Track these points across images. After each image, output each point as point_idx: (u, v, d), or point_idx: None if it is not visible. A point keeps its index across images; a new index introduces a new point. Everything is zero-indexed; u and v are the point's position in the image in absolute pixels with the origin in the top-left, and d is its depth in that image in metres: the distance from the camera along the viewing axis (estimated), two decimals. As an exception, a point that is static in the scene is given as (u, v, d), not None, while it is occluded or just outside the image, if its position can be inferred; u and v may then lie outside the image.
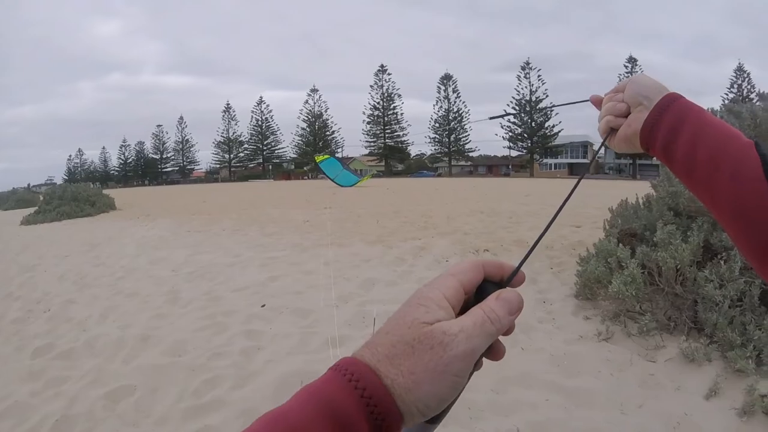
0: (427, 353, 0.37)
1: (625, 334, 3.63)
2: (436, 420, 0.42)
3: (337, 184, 30.08)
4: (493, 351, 0.43)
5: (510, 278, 0.46)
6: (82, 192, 19.72)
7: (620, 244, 3.99)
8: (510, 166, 77.56)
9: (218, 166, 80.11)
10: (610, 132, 0.78)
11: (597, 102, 0.83)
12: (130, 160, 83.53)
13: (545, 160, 73.10)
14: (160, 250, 8.64)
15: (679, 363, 3.16)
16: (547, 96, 68.21)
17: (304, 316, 4.39)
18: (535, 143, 68.38)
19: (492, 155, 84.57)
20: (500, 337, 0.44)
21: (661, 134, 0.70)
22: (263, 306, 4.78)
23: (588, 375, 3.22)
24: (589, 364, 3.35)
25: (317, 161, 33.45)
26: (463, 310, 0.42)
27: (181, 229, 11.29)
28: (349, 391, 0.35)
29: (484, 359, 0.43)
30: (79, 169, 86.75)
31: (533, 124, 68.28)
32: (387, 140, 75.69)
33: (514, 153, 75.75)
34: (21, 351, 4.23)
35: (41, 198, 23.90)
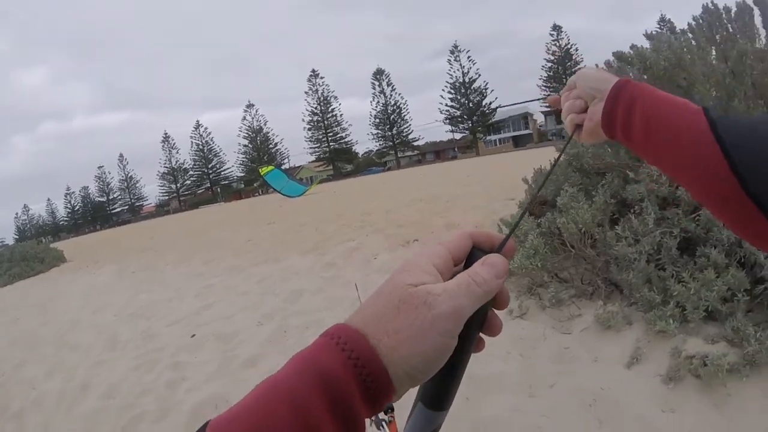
0: (412, 312, 0.38)
1: (540, 308, 3.51)
2: (440, 407, 0.44)
3: (284, 195, 29.94)
4: (490, 325, 0.45)
5: (500, 246, 0.46)
6: (29, 250, 19.31)
7: (529, 215, 3.85)
8: (456, 149, 78.45)
9: (167, 197, 78.52)
10: (576, 128, 0.82)
11: (555, 102, 0.87)
12: (78, 207, 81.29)
13: (489, 137, 74.35)
14: (104, 295, 8.73)
15: (596, 331, 2.98)
16: (479, 75, 69.53)
17: (228, 341, 4.61)
18: (475, 122, 69.53)
19: (438, 140, 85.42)
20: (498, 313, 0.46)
21: (618, 120, 0.73)
22: (193, 336, 4.99)
23: (497, 359, 3.10)
24: (499, 347, 3.20)
25: (261, 174, 33.17)
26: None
27: (126, 272, 11.30)
28: (337, 353, 0.36)
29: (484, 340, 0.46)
30: (28, 225, 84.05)
31: (470, 105, 69.40)
32: (331, 143, 75.61)
33: (458, 135, 76.80)
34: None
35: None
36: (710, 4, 4.14)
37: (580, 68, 0.85)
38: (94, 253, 19.47)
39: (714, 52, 3.78)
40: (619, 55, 3.96)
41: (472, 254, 0.45)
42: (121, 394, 4.04)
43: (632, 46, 3.86)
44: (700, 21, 4.14)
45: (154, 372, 4.31)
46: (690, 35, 4.01)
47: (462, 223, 7.75)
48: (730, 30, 3.98)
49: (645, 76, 3.58)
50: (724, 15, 4.03)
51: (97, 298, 8.65)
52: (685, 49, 3.57)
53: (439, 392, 0.44)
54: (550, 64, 68.19)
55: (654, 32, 4.25)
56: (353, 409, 0.34)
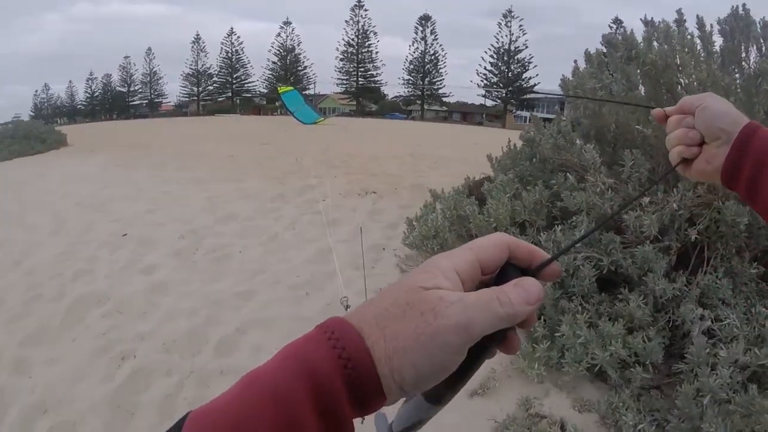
0: (417, 318, 0.34)
1: None
2: (438, 402, 0.40)
3: (296, 119, 29.76)
4: (506, 342, 0.39)
5: (540, 268, 0.41)
6: (33, 130, 19.73)
7: (468, 196, 3.70)
8: (484, 115, 76.99)
9: (187, 99, 78.16)
10: (681, 161, 0.74)
11: (659, 117, 0.78)
12: (97, 93, 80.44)
13: (520, 113, 72.78)
14: (78, 184, 9.11)
15: None
16: (526, 47, 67.24)
17: (145, 245, 4.98)
18: (509, 94, 67.88)
19: (470, 102, 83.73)
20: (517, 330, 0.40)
21: (744, 176, 0.66)
22: (124, 235, 5.36)
23: None
24: None
25: (279, 92, 32.83)
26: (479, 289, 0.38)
27: (110, 164, 11.60)
28: (328, 350, 0.33)
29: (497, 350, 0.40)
30: (46, 104, 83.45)
31: (509, 74, 67.59)
32: (360, 79, 74.41)
33: (489, 102, 75.20)
34: None
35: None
36: (741, 9, 3.26)
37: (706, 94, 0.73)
38: (95, 142, 19.83)
39: (719, 61, 3.11)
40: (608, 39, 3.54)
41: (506, 269, 0.40)
42: (38, 274, 4.46)
43: (621, 32, 3.40)
44: (725, 26, 3.19)
45: (72, 260, 4.71)
46: (697, 32, 3.19)
47: (431, 185, 7.87)
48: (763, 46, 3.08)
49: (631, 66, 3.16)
50: (759, 27, 3.09)
51: (71, 185, 9.01)
52: (686, 49, 2.95)
53: (439, 389, 0.39)
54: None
55: (660, 22, 3.36)
56: (340, 410, 0.32)
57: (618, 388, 2.14)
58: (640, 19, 3.44)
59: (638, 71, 3.12)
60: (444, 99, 75.71)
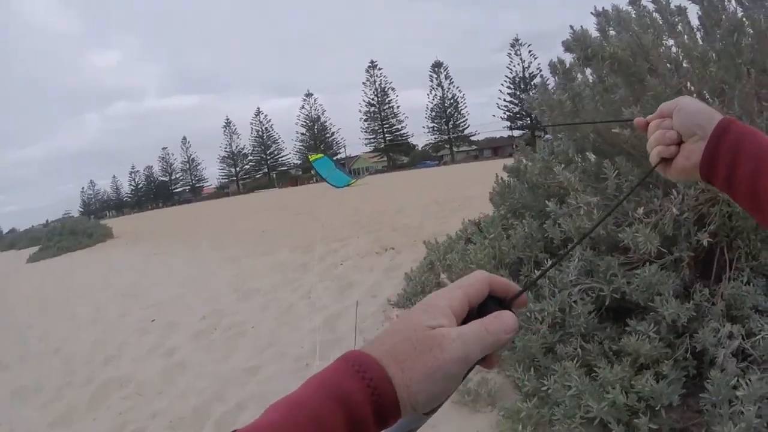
0: (426, 354, 0.41)
1: None
2: (430, 412, 0.45)
3: (330, 184, 30.38)
4: (487, 361, 0.47)
5: (512, 300, 0.49)
6: (79, 226, 21.06)
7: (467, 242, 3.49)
8: (515, 146, 76.51)
9: (226, 180, 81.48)
10: (661, 161, 0.77)
11: (641, 125, 0.82)
12: (141, 185, 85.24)
13: (548, 136, 72.19)
14: (117, 275, 9.78)
15: (450, 404, 2.67)
16: (540, 71, 67.70)
17: (170, 329, 5.24)
18: (534, 121, 67.77)
19: (498, 137, 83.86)
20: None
21: (721, 169, 0.68)
22: (153, 321, 5.69)
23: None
24: None
25: (310, 160, 33.68)
26: (466, 320, 0.46)
27: (150, 254, 12.25)
28: (358, 380, 0.38)
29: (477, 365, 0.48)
30: (93, 199, 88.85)
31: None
32: (386, 134, 75.96)
33: (517, 132, 75.18)
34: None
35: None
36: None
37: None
38: (139, 232, 20.87)
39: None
40: (567, 45, 2.96)
41: (487, 302, 0.48)
42: (73, 362, 4.84)
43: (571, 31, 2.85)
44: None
45: (104, 346, 5.08)
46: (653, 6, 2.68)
47: (451, 230, 7.89)
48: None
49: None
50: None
51: (111, 276, 9.70)
52: (650, 29, 2.54)
53: None
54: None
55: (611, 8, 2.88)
56: (367, 430, 0.38)
57: None
58: (591, 12, 2.94)
59: (604, 70, 2.72)
60: (472, 138, 76.09)
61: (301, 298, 5.30)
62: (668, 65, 2.43)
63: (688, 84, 2.41)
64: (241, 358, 3.98)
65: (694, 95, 2.30)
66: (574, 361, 1.98)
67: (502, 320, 0.45)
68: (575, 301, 2.14)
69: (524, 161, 3.39)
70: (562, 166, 2.66)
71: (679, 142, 0.74)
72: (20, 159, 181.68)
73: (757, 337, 1.75)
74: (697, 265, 2.20)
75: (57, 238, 19.63)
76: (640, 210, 2.14)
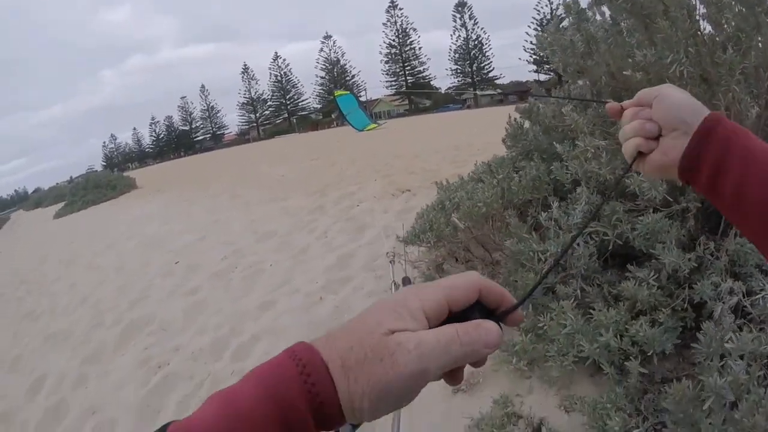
0: (377, 365, 0.36)
1: None
2: (358, 426, 0.42)
3: (351, 125, 29.73)
4: (452, 376, 0.41)
5: (506, 313, 0.42)
6: (102, 179, 21.56)
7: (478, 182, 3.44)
8: (532, 92, 74.23)
9: (247, 126, 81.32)
10: (638, 156, 0.68)
11: (615, 111, 0.73)
12: (162, 135, 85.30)
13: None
14: (141, 224, 10.10)
15: None
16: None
17: (192, 270, 5.46)
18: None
19: (524, 81, 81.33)
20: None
21: (705, 171, 0.61)
22: (176, 263, 5.92)
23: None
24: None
25: (335, 96, 32.89)
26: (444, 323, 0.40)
27: (172, 202, 12.54)
28: (300, 384, 0.35)
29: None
30: (116, 153, 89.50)
31: (557, 43, 65.34)
32: (408, 77, 74.47)
33: (543, 77, 72.86)
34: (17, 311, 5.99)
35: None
36: None
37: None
38: (162, 181, 21.26)
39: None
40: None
41: (473, 308, 0.41)
42: (101, 305, 5.13)
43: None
44: None
45: (129, 292, 5.30)
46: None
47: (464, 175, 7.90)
48: None
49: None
50: None
51: (135, 226, 10.07)
52: None
53: None
54: None
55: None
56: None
57: (618, 385, 1.80)
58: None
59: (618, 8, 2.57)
60: (497, 82, 74.04)
61: (318, 239, 5.45)
62: (682, 9, 2.21)
63: (701, 30, 2.22)
64: (257, 295, 4.16)
65: (707, 43, 2.16)
66: (572, 301, 1.97)
67: (481, 331, 0.39)
68: (578, 244, 2.14)
69: (538, 104, 3.36)
70: (571, 108, 2.67)
71: (658, 136, 0.66)
72: (41, 121, 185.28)
73: (758, 296, 1.74)
74: (704, 218, 2.16)
75: (82, 193, 20.16)
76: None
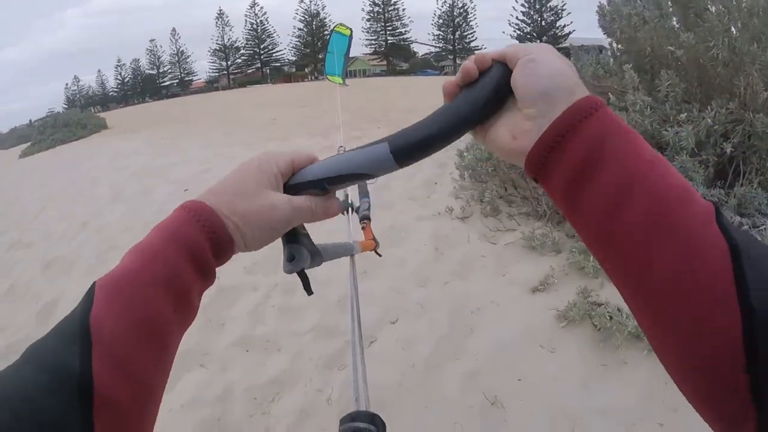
0: (262, 211, 0.48)
1: (483, 214, 3.50)
2: (400, 163, 0.48)
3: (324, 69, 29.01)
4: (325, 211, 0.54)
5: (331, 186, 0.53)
6: (72, 117, 20.34)
7: None
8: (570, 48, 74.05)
9: (217, 74, 78.52)
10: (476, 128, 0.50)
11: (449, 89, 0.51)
12: (128, 79, 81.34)
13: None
14: (127, 158, 9.37)
15: (519, 248, 2.95)
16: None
17: None
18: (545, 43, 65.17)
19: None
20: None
21: (562, 172, 0.42)
22: (186, 190, 5.54)
23: (412, 245, 3.28)
24: (419, 237, 3.38)
25: (336, 28, 31.81)
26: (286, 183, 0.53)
27: (155, 139, 11.84)
28: (198, 227, 0.44)
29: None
30: (78, 96, 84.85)
31: (542, 23, 64.95)
32: (389, 38, 73.14)
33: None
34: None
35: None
36: None
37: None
38: (134, 123, 20.24)
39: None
40: None
41: (313, 182, 0.52)
42: (108, 231, 4.74)
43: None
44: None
45: (139, 216, 4.97)
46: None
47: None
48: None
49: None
50: None
51: (122, 160, 9.30)
52: None
53: (408, 150, 0.48)
54: None
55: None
56: (209, 264, 0.45)
57: None
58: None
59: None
60: (477, 52, 73.36)
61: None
62: (721, 7, 2.90)
63: (732, 28, 2.84)
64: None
65: (737, 40, 2.71)
66: None
67: (329, 205, 0.54)
68: None
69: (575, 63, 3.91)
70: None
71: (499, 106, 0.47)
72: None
73: (760, 228, 2.33)
74: (717, 170, 2.77)
75: (50, 131, 18.96)
76: (683, 115, 2.72)
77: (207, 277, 0.46)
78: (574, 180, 0.41)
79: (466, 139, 4.58)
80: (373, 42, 73.42)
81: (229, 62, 76.87)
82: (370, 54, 74.83)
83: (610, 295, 2.25)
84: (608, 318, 2.09)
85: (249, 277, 3.29)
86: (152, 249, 0.42)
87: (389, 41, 72.85)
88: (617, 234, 0.39)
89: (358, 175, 0.51)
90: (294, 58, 76.74)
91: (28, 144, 19.57)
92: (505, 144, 0.46)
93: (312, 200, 0.52)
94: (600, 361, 1.99)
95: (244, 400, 2.20)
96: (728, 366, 0.32)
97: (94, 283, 0.39)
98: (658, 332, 0.37)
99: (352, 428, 0.48)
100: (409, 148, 0.48)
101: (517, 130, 0.45)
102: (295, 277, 0.57)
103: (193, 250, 0.43)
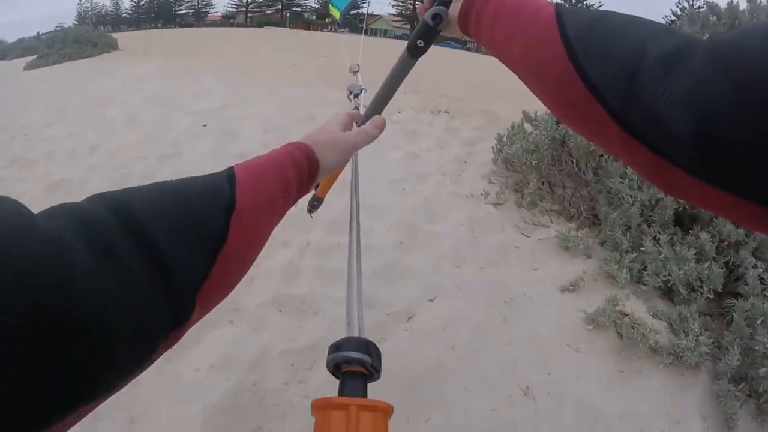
0: (337, 141, 0.66)
1: (517, 204, 3.53)
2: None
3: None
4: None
5: (366, 117, 0.83)
6: (84, 34, 19.59)
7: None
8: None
9: (234, 10, 76.53)
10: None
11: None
12: (143, 2, 79.56)
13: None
14: (141, 82, 8.96)
15: (553, 246, 2.99)
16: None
17: (229, 136, 4.88)
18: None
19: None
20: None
21: (472, 21, 0.67)
22: (204, 126, 5.28)
23: (448, 225, 3.27)
24: (455, 217, 3.36)
25: None
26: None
27: (169, 66, 11.38)
28: (301, 152, 0.60)
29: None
30: (90, 13, 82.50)
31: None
32: (417, 2, 71.29)
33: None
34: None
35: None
36: None
37: None
38: (147, 48, 19.60)
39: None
40: (711, 5, 3.72)
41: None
42: (120, 156, 4.46)
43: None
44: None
45: (154, 145, 4.67)
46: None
47: (498, 113, 7.62)
48: None
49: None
50: None
51: (135, 83, 8.90)
52: None
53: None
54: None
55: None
56: (304, 172, 0.59)
57: (685, 305, 2.34)
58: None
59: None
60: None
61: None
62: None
63: None
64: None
65: None
66: (668, 241, 2.57)
67: (368, 127, 0.71)
68: (662, 198, 2.73)
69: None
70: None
71: None
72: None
73: None
74: None
75: (59, 46, 18.21)
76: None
77: (300, 187, 0.59)
78: (476, 25, 0.67)
79: (506, 126, 4.44)
80: (400, 3, 71.68)
81: (249, -1, 74.93)
82: (394, 15, 73.13)
83: (635, 307, 2.36)
84: (632, 329, 2.21)
85: (278, 231, 3.13)
86: (270, 156, 0.57)
87: (416, 5, 71.14)
88: (496, 43, 0.62)
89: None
90: (317, 6, 74.85)
91: (34, 57, 18.85)
92: (452, 22, 0.73)
93: (363, 127, 0.71)
94: (617, 366, 2.13)
95: (280, 365, 2.07)
96: (561, 63, 0.49)
97: (232, 167, 0.51)
98: (531, 77, 0.56)
99: (342, 358, 0.43)
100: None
101: (451, 8, 0.73)
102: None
103: (298, 163, 0.58)
